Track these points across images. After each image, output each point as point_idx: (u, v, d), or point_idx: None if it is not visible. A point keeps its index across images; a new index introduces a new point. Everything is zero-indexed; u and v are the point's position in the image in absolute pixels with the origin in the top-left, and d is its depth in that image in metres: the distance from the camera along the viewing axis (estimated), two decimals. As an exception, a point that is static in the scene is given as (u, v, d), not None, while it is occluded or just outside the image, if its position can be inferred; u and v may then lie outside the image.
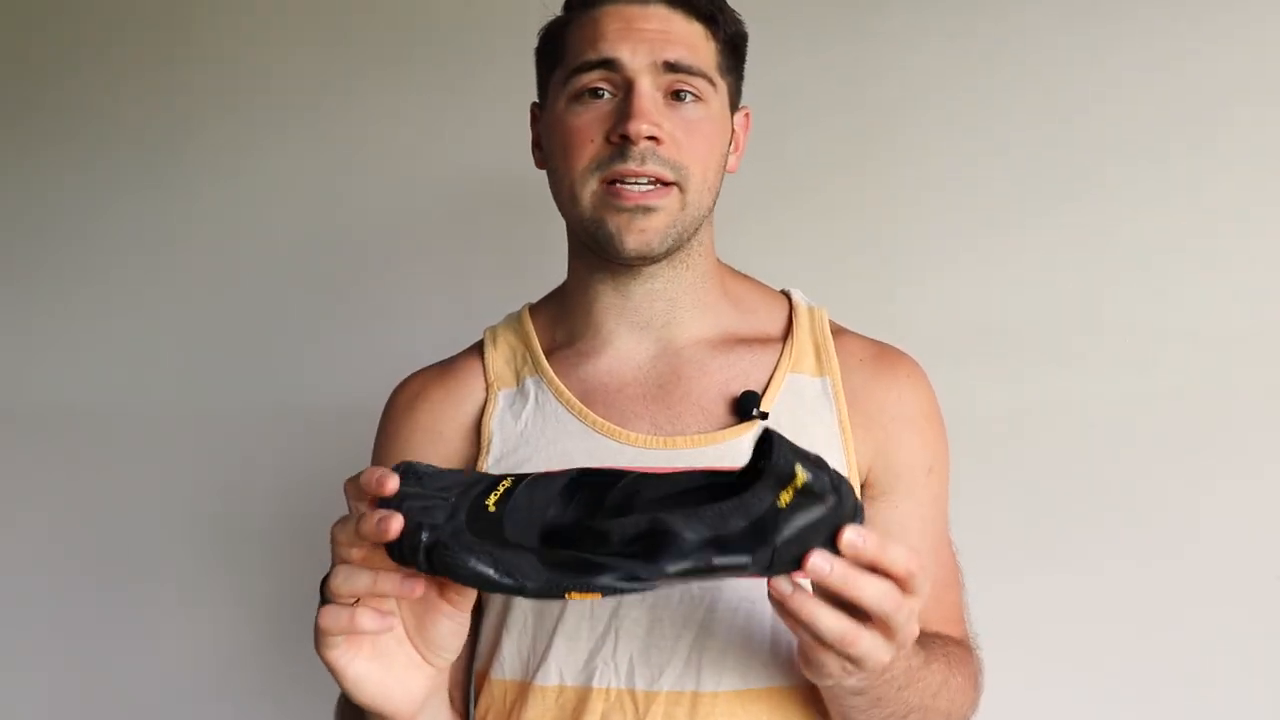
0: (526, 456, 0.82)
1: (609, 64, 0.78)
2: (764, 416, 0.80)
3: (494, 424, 0.84)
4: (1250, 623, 1.17)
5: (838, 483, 0.56)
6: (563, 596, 0.54)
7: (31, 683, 1.44)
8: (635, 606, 0.77)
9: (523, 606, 0.80)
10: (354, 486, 0.60)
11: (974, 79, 1.25)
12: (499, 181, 1.34)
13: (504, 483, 0.59)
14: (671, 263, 0.82)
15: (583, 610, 0.78)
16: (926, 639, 0.73)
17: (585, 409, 0.82)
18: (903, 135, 1.27)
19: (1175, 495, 1.19)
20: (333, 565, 0.61)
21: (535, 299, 0.94)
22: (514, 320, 0.92)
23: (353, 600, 0.60)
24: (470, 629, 0.85)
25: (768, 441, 0.55)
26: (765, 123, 1.25)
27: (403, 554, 0.56)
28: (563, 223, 0.85)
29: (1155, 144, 1.21)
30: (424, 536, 0.55)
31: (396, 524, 0.56)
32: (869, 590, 0.57)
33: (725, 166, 0.85)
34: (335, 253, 1.40)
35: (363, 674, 0.63)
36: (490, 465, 0.83)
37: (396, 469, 0.59)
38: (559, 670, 0.78)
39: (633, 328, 0.84)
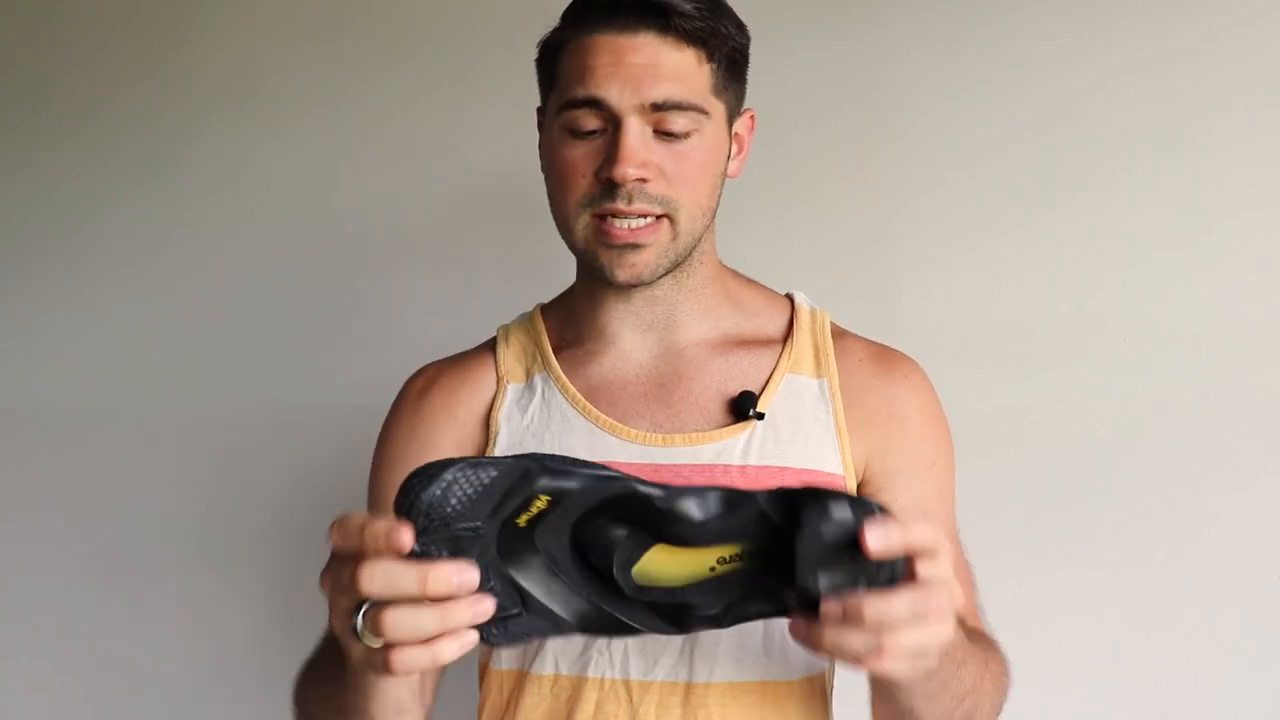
0: (531, 450, 0.83)
1: (596, 103, 0.78)
2: (760, 417, 0.82)
3: (501, 417, 0.86)
4: (1250, 623, 1.17)
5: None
6: None
7: (31, 681, 1.45)
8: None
9: None
10: (342, 531, 0.52)
11: (974, 78, 1.26)
12: (501, 181, 1.34)
13: (537, 503, 0.55)
14: (673, 277, 0.84)
15: None
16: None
17: (589, 405, 0.84)
18: (903, 135, 1.27)
19: (1176, 495, 1.19)
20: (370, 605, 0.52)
21: (538, 299, 0.96)
22: (526, 319, 0.94)
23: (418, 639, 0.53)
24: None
25: (795, 509, 0.56)
26: (765, 123, 1.25)
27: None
28: None
29: (1156, 143, 1.21)
30: (492, 633, 0.54)
31: (487, 606, 0.52)
32: (904, 603, 0.55)
33: (723, 178, 0.85)
34: (336, 253, 1.40)
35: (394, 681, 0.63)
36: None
37: (418, 475, 0.52)
38: (555, 660, 0.80)
39: (635, 330, 0.86)
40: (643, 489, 0.56)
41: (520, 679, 0.81)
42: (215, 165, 1.43)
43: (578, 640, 0.79)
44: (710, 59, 0.80)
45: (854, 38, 1.28)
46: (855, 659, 0.56)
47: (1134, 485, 1.20)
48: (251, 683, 1.39)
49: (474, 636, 0.53)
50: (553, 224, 0.86)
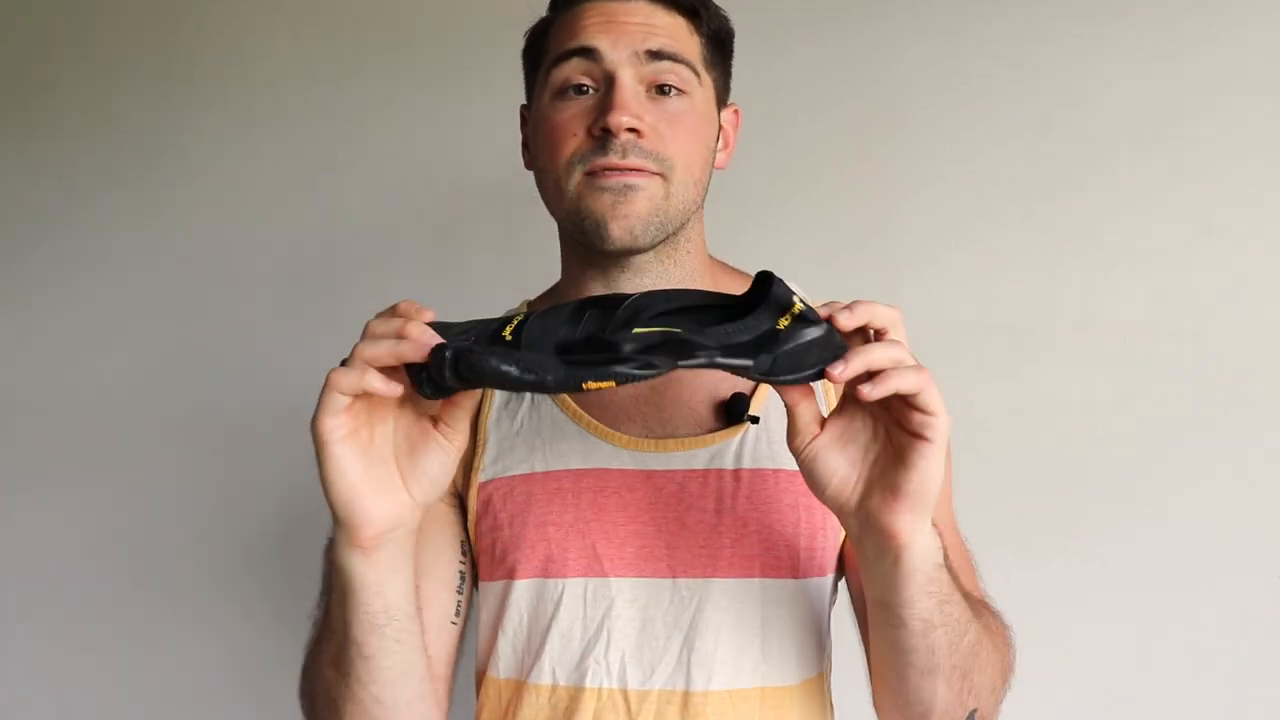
0: (523, 457, 0.82)
1: (589, 53, 0.78)
2: (754, 420, 0.80)
3: (489, 424, 0.84)
4: (1250, 623, 1.17)
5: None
6: (580, 388, 0.59)
7: (31, 681, 1.45)
8: (627, 606, 0.78)
9: (518, 604, 0.80)
10: (383, 322, 0.63)
11: (974, 73, 1.25)
12: (500, 180, 1.33)
13: (517, 318, 0.64)
14: (659, 258, 0.82)
15: (576, 609, 0.78)
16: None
17: (580, 410, 0.82)
18: (902, 130, 1.27)
19: (1174, 495, 1.19)
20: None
21: (533, 297, 0.94)
22: None
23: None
24: (464, 626, 0.86)
25: (767, 280, 0.64)
26: (764, 118, 1.25)
27: (429, 372, 0.60)
28: None
29: (1157, 141, 1.21)
30: (448, 353, 0.59)
31: (429, 337, 0.60)
32: (882, 349, 0.63)
33: (713, 162, 0.84)
34: (335, 252, 1.40)
35: (346, 456, 0.62)
36: (486, 465, 0.83)
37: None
38: (552, 669, 0.78)
39: None
40: (609, 294, 0.67)
41: (518, 688, 0.80)
42: (214, 166, 1.43)
43: (575, 649, 0.78)
44: (699, 31, 0.81)
45: (853, 33, 1.28)
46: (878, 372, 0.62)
47: (1132, 484, 1.19)
48: (250, 681, 1.39)
49: (390, 383, 0.61)
50: (551, 224, 0.85)
